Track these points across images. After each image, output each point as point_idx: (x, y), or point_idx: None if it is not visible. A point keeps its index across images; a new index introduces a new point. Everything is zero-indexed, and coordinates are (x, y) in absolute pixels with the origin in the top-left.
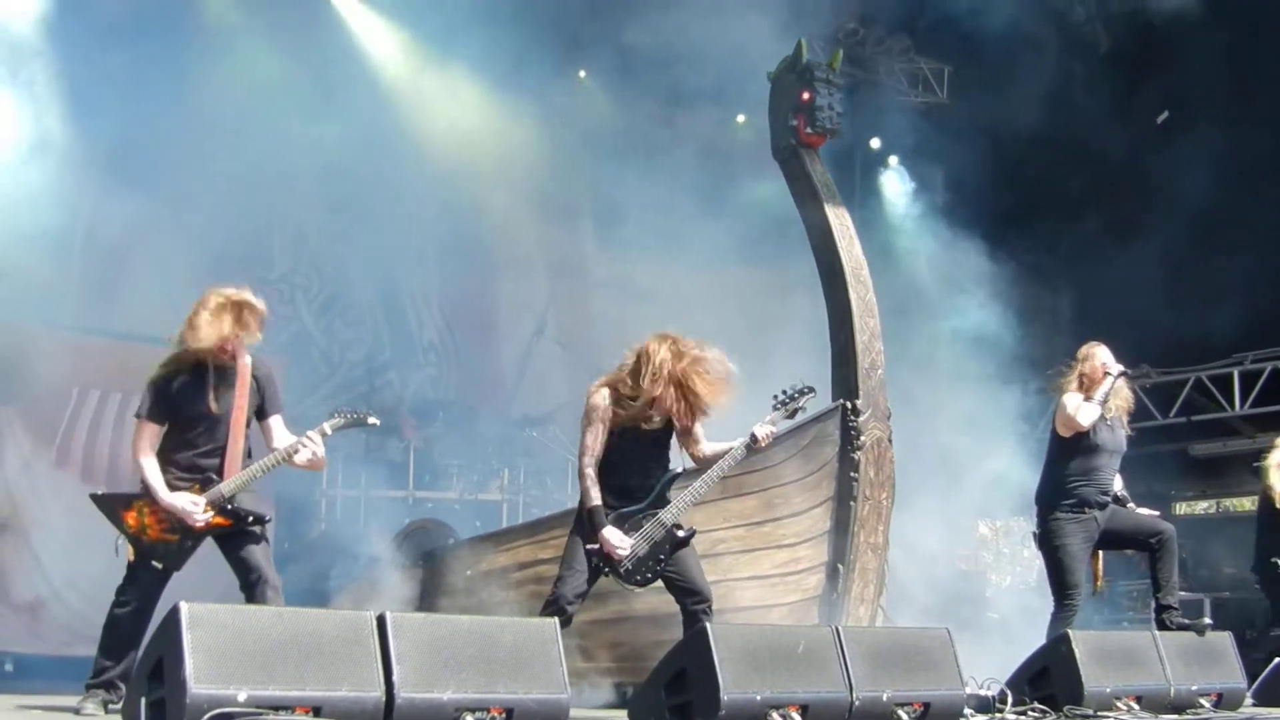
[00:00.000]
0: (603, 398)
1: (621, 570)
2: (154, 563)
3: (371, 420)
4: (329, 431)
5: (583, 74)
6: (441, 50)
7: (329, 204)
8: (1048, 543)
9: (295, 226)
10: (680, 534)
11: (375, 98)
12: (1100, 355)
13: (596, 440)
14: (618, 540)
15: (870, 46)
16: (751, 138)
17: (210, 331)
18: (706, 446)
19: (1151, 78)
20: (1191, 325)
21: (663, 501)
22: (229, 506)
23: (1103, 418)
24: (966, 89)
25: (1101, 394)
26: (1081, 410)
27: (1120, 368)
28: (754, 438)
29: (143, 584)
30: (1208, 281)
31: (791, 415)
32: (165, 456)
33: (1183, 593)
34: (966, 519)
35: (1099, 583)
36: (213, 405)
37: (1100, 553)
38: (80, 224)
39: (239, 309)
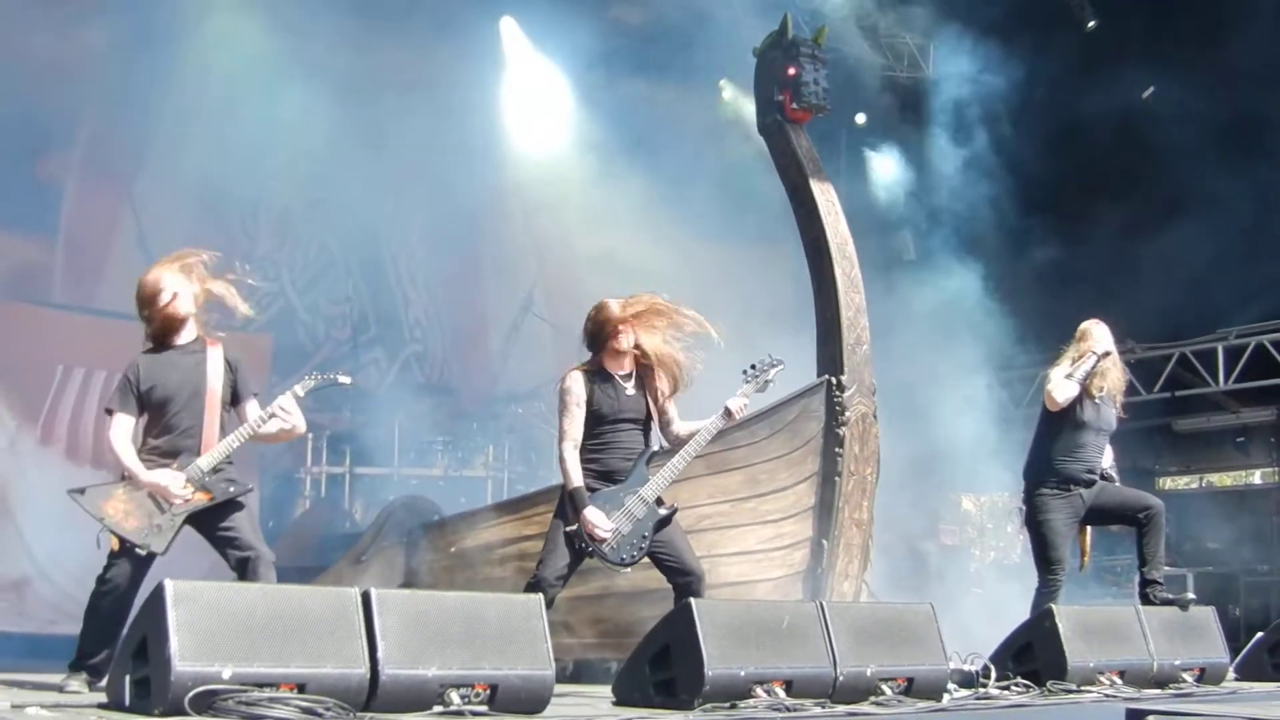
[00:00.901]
0: (575, 381)
1: (606, 550)
2: (137, 549)
3: (343, 379)
4: (301, 394)
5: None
6: (423, 23)
7: (313, 181)
8: (1032, 518)
9: (280, 204)
10: (663, 510)
11: (359, 74)
12: (1093, 333)
13: (574, 424)
14: (599, 521)
15: (855, 21)
16: (738, 113)
17: (178, 289)
18: (680, 426)
19: (1138, 52)
20: (1175, 300)
21: (643, 479)
22: (207, 479)
23: (1090, 396)
24: (950, 64)
25: (1081, 373)
26: (1059, 387)
27: (1106, 349)
28: (727, 411)
29: (125, 569)
30: (1192, 256)
31: (763, 388)
32: (143, 441)
33: (1166, 568)
34: (949, 494)
35: (1086, 558)
36: (182, 381)
37: (1089, 528)
38: (65, 201)
39: (181, 260)
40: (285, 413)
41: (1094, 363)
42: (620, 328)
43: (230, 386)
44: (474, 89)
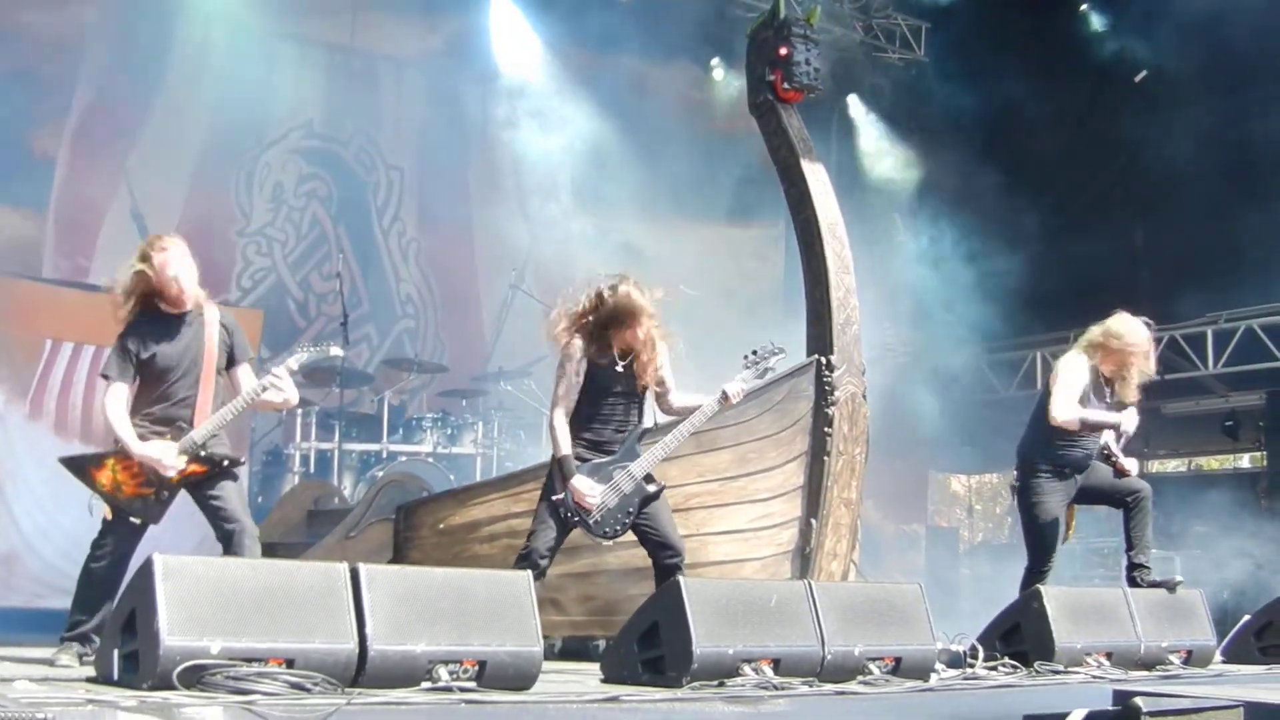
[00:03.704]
0: (577, 349)
1: (590, 522)
2: (131, 519)
3: (334, 350)
4: (295, 367)
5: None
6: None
7: (306, 157)
8: (1025, 499)
9: (273, 178)
10: (650, 488)
11: (350, 49)
12: (1134, 342)
13: (569, 391)
14: (587, 490)
15: (848, 3)
16: (729, 93)
17: (185, 274)
18: (676, 397)
19: (1131, 37)
20: (1165, 283)
21: (633, 455)
22: (202, 453)
23: (1103, 398)
24: (944, 46)
25: (1095, 420)
26: (1064, 410)
27: (1149, 371)
28: (724, 395)
29: (118, 538)
30: (1182, 240)
31: (761, 375)
32: (137, 409)
33: (1154, 550)
34: (938, 475)
35: (1070, 532)
36: (178, 349)
37: (1074, 505)
38: (58, 175)
39: (160, 243)
40: (279, 386)
41: (1112, 422)
42: (644, 323)
43: (226, 352)
44: (467, 65)
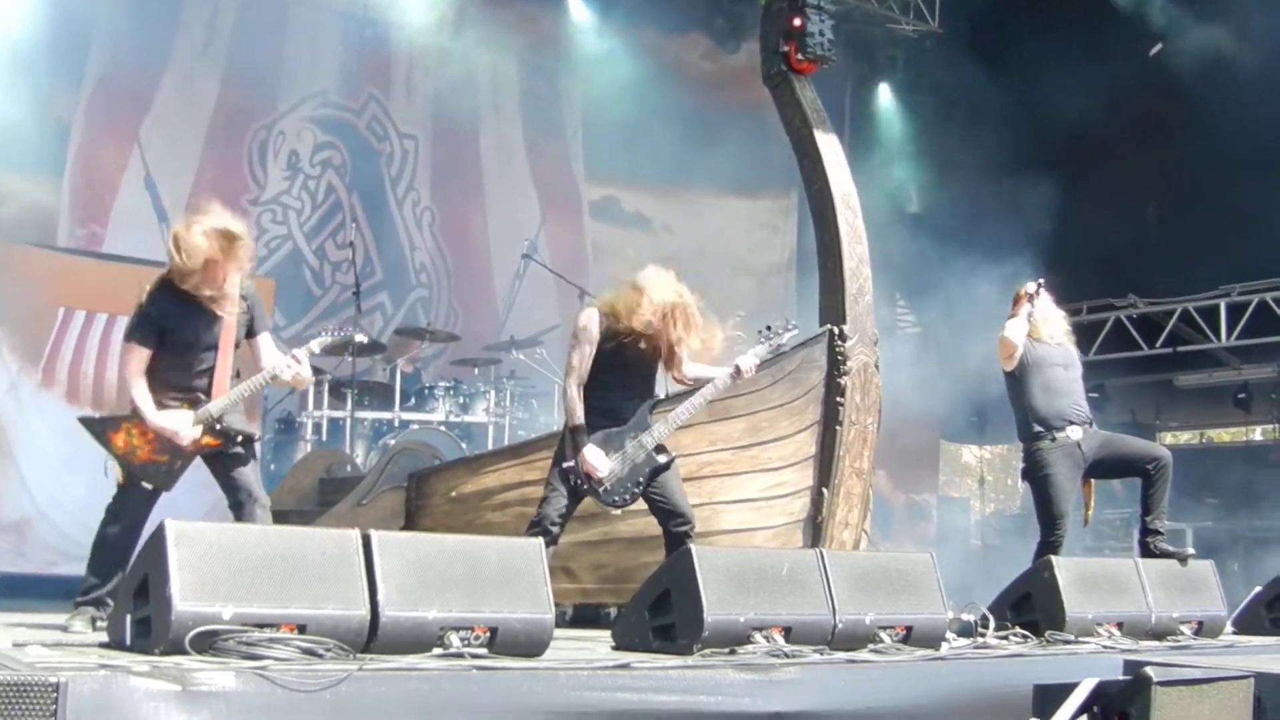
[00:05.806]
0: (593, 320)
1: (600, 491)
2: (144, 484)
3: (359, 337)
4: (316, 350)
5: None
6: None
7: (321, 125)
8: (1033, 474)
9: (288, 146)
10: (661, 459)
11: (364, 17)
12: (1022, 283)
13: (584, 361)
14: (597, 461)
15: None
16: (743, 63)
17: (202, 248)
18: (690, 368)
19: (1147, 8)
20: (1178, 255)
21: (645, 425)
22: (218, 426)
23: (1040, 340)
24: (958, 17)
25: (1024, 311)
26: (1007, 328)
27: (1036, 283)
28: (737, 369)
29: (132, 503)
30: (1197, 212)
31: (775, 350)
32: (154, 377)
33: (1167, 522)
34: (949, 445)
35: (1089, 511)
36: (201, 327)
37: (1093, 482)
38: (72, 143)
39: (229, 241)
40: (298, 366)
41: (1032, 294)
42: (657, 328)
43: (246, 323)
44: (480, 34)
